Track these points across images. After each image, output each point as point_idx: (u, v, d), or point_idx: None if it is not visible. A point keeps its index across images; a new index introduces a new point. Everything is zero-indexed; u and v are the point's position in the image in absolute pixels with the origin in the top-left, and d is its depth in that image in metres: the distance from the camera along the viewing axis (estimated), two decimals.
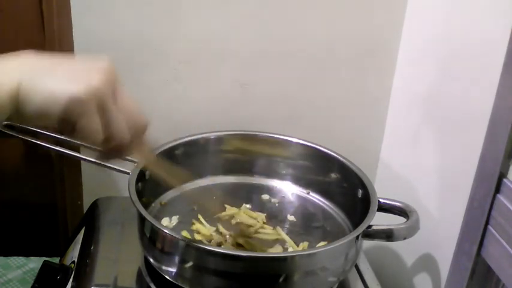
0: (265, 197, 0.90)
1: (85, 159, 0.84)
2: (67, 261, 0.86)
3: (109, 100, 0.49)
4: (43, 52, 0.50)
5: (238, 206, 0.86)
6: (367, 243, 0.88)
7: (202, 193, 0.80)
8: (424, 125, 0.90)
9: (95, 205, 0.94)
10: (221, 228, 0.80)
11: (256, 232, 0.80)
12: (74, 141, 0.75)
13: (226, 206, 0.84)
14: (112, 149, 0.52)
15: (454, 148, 0.82)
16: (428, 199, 0.87)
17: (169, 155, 0.85)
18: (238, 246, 0.76)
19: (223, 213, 0.83)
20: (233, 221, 0.82)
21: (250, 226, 0.81)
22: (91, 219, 0.90)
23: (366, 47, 0.96)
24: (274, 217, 0.85)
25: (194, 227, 0.80)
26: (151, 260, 0.73)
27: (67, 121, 0.48)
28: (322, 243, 0.79)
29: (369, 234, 0.72)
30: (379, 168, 1.05)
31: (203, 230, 0.79)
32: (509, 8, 0.67)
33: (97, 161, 0.61)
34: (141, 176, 0.78)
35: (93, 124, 0.49)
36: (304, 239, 0.80)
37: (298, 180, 0.92)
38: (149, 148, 0.59)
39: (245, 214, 0.84)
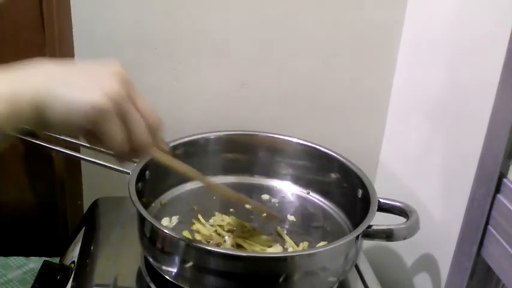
0: (265, 197, 0.90)
1: (85, 159, 0.84)
2: (67, 261, 0.86)
3: (128, 103, 0.50)
4: (55, 59, 0.51)
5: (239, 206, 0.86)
6: (367, 243, 0.88)
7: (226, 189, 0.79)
8: (424, 125, 0.90)
9: (95, 205, 0.94)
10: (219, 230, 0.80)
11: (255, 234, 0.80)
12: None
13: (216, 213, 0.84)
14: (132, 150, 0.52)
15: (453, 148, 0.82)
16: (428, 199, 0.87)
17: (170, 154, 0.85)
18: (238, 246, 0.76)
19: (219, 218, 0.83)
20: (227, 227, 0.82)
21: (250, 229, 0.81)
22: (91, 219, 0.90)
23: (366, 48, 0.96)
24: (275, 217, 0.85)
25: (194, 227, 0.80)
26: (151, 260, 0.72)
27: (89, 129, 0.49)
28: (322, 243, 0.79)
29: (369, 234, 0.72)
30: (379, 168, 1.05)
31: (203, 230, 0.79)
32: (509, 8, 0.67)
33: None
34: (141, 176, 0.78)
35: (115, 129, 0.49)
36: (304, 239, 0.80)
37: (298, 180, 0.92)
38: (165, 146, 0.59)
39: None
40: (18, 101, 0.46)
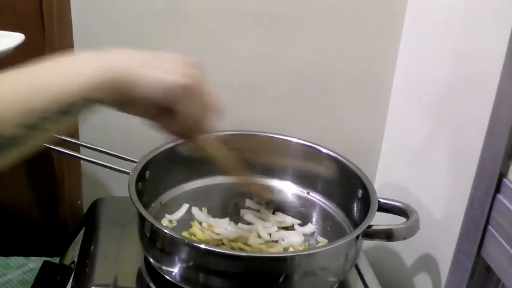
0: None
1: (85, 159, 0.84)
2: (67, 261, 0.86)
3: (203, 85, 0.55)
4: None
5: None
6: (367, 243, 0.87)
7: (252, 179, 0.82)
8: (424, 125, 0.90)
9: (95, 205, 0.94)
10: (214, 235, 0.79)
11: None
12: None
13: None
14: (190, 130, 0.57)
15: (453, 148, 0.82)
16: (428, 199, 0.87)
17: (170, 154, 0.85)
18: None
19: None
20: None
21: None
22: (91, 219, 0.90)
23: (366, 48, 0.96)
24: None
25: (191, 230, 0.80)
26: (151, 260, 0.73)
27: (164, 107, 0.53)
28: (322, 243, 0.79)
29: (369, 234, 0.72)
30: (379, 168, 1.05)
31: (199, 234, 0.78)
32: (509, 8, 0.67)
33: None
34: (141, 176, 0.78)
35: (193, 106, 0.55)
36: (304, 239, 0.80)
37: (298, 180, 0.92)
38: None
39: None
40: (106, 75, 0.50)
